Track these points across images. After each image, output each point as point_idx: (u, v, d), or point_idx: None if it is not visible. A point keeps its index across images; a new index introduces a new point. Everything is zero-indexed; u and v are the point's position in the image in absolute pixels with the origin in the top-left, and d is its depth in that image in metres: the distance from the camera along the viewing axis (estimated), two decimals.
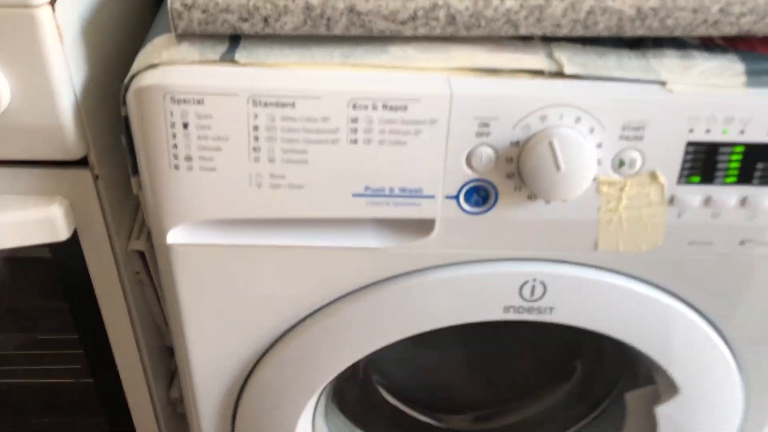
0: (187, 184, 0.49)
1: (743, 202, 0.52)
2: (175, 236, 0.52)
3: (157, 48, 0.48)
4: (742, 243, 0.55)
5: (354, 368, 0.62)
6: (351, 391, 0.80)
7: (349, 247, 0.56)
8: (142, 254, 0.66)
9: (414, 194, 0.52)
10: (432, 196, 0.52)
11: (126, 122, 0.49)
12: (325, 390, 0.71)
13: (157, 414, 0.77)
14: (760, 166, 0.50)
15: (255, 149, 0.50)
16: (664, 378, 0.64)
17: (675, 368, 0.62)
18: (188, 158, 0.50)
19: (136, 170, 0.51)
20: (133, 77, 0.47)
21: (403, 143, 0.48)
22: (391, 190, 0.52)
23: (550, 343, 0.82)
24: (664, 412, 0.65)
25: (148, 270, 0.67)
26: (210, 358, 0.64)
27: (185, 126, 0.49)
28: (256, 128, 0.49)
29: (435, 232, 0.54)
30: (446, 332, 0.60)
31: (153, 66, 0.47)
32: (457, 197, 0.52)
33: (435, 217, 0.52)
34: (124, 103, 0.48)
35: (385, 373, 0.86)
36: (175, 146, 0.49)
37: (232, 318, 0.58)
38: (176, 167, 0.49)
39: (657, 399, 0.66)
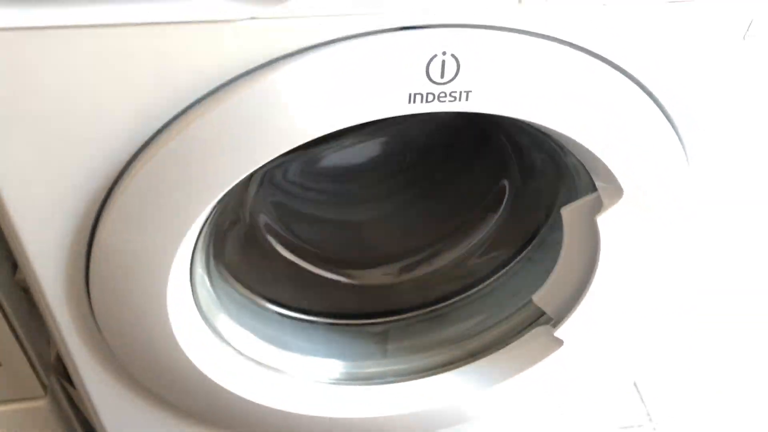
0: None
1: None
2: None
3: None
4: None
5: (236, 214, 0.48)
6: (239, 249, 0.66)
7: (180, 21, 0.40)
8: None
9: None
10: None
11: None
12: (203, 243, 0.57)
13: None
14: None
15: None
16: (606, 178, 0.53)
17: (618, 163, 0.52)
18: None
19: None
20: None
21: None
22: None
23: (474, 169, 0.70)
24: (607, 220, 0.55)
25: None
26: (35, 203, 0.48)
27: None
28: None
29: None
30: (349, 166, 0.47)
31: None
32: None
33: None
34: None
35: (283, 225, 0.72)
36: None
37: (49, 148, 0.43)
38: None
39: (598, 208, 0.56)
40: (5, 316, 0.66)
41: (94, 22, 0.40)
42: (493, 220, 0.75)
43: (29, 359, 0.71)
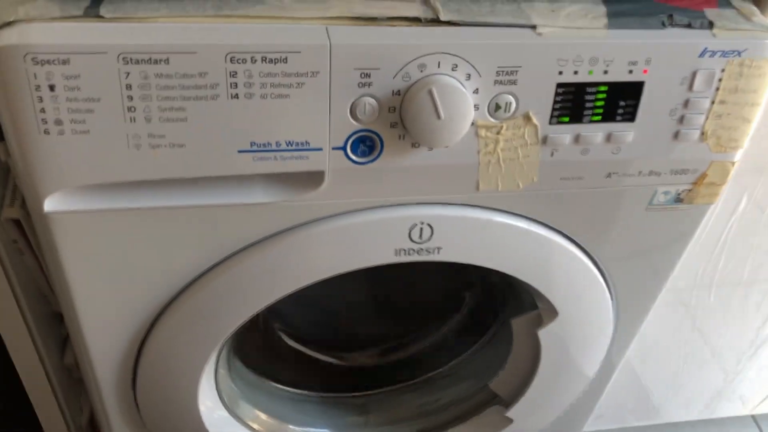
0: (60, 149, 0.47)
1: (608, 137, 0.55)
2: (52, 204, 0.49)
3: (11, 3, 0.45)
4: (608, 176, 0.59)
5: (254, 318, 0.62)
6: (252, 341, 0.80)
7: (238, 203, 0.55)
8: (17, 222, 0.62)
9: (301, 147, 0.52)
10: (319, 149, 0.52)
11: None
12: (226, 343, 0.70)
13: (51, 381, 0.75)
14: (622, 103, 0.53)
15: (130, 109, 0.48)
16: (545, 303, 0.68)
17: (553, 293, 0.67)
18: (58, 122, 0.47)
19: (1, 136, 0.48)
20: None
21: (286, 96, 0.48)
22: (278, 144, 0.51)
23: (441, 279, 0.85)
24: (546, 333, 0.70)
25: (27, 238, 0.63)
26: (103, 324, 0.62)
27: (52, 88, 0.46)
28: (129, 87, 0.47)
29: (324, 184, 0.55)
30: (342, 275, 0.61)
31: (9, 24, 0.43)
32: (344, 148, 0.52)
33: (324, 169, 0.52)
34: None
35: (286, 319, 0.87)
36: (43, 110, 0.46)
37: (122, 282, 0.57)
38: (46, 132, 0.46)
39: (539, 323, 0.71)
40: (54, 394, 0.78)
41: (168, 204, 0.54)
42: (455, 319, 0.90)
43: (68, 426, 0.83)
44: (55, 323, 0.78)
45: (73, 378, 0.83)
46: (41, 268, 0.68)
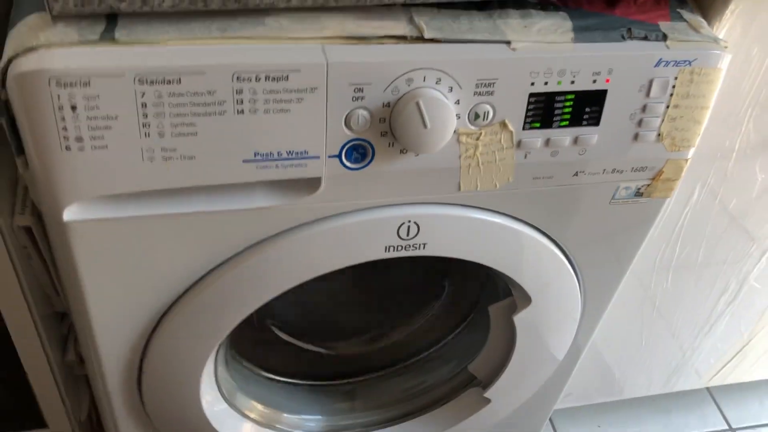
0: (80, 163, 0.51)
1: (575, 140, 0.61)
2: (70, 214, 0.54)
3: (32, 29, 0.48)
4: (575, 174, 0.65)
5: (248, 315, 0.67)
6: (246, 335, 0.85)
7: (242, 209, 0.59)
8: (28, 229, 0.65)
9: (300, 156, 0.57)
10: (316, 157, 0.57)
11: (5, 105, 0.48)
12: (224, 339, 0.75)
13: (55, 377, 0.78)
14: (587, 109, 0.59)
15: (145, 125, 0.52)
16: (519, 291, 0.74)
17: (526, 282, 0.73)
18: (79, 139, 0.51)
19: (20, 150, 0.52)
20: (10, 61, 0.46)
21: (287, 111, 0.52)
22: (279, 154, 0.56)
23: (423, 269, 0.91)
24: (520, 319, 0.76)
25: (36, 244, 0.67)
26: (112, 323, 0.66)
27: (73, 108, 0.50)
28: (144, 105, 0.51)
29: (321, 189, 0.60)
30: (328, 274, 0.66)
31: (31, 49, 0.47)
32: (339, 156, 0.57)
33: (321, 175, 0.57)
34: (3, 86, 0.48)
35: (277, 313, 0.91)
36: (65, 128, 0.50)
37: (132, 284, 0.62)
38: (67, 148, 0.50)
39: (514, 309, 0.77)
40: (58, 389, 0.82)
41: (179, 211, 0.59)
42: (436, 306, 0.96)
43: (70, 420, 0.87)
44: (56, 323, 0.82)
45: (73, 374, 0.87)
46: (48, 272, 0.71)
